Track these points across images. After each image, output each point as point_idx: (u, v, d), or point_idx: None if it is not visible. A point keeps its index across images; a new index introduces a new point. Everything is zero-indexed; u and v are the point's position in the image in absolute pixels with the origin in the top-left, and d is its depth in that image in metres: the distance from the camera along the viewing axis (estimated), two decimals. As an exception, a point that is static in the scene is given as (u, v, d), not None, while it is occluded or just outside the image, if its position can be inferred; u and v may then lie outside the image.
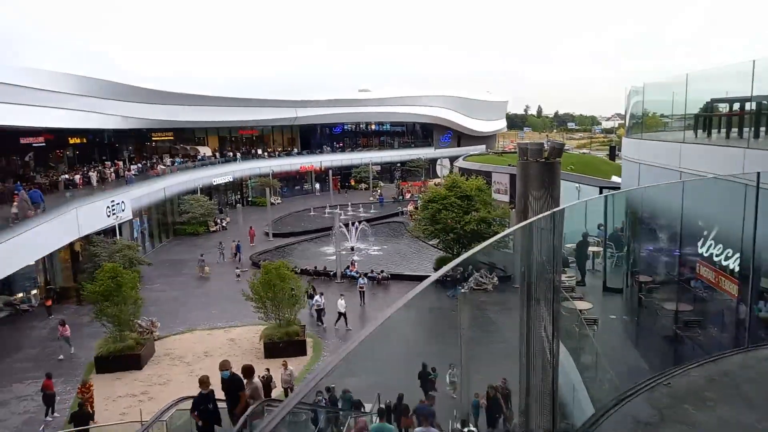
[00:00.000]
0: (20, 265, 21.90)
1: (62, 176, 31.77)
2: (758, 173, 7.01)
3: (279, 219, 46.39)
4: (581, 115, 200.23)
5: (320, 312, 23.79)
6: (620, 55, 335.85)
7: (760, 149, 10.12)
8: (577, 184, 30.13)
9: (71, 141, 38.01)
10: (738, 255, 7.41)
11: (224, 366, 9.46)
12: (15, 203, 22.33)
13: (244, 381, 9.64)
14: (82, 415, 14.59)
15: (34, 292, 26.74)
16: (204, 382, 9.54)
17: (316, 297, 24.16)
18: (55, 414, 16.43)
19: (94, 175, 32.42)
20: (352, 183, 64.88)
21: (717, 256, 7.74)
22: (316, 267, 31.08)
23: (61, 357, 20.53)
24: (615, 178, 33.22)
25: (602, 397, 6.11)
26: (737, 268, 7.44)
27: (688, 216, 8.35)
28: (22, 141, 32.54)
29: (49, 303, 25.57)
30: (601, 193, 24.38)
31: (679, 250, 8.85)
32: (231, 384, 9.34)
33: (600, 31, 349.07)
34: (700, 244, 8.04)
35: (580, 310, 8.84)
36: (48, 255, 25.79)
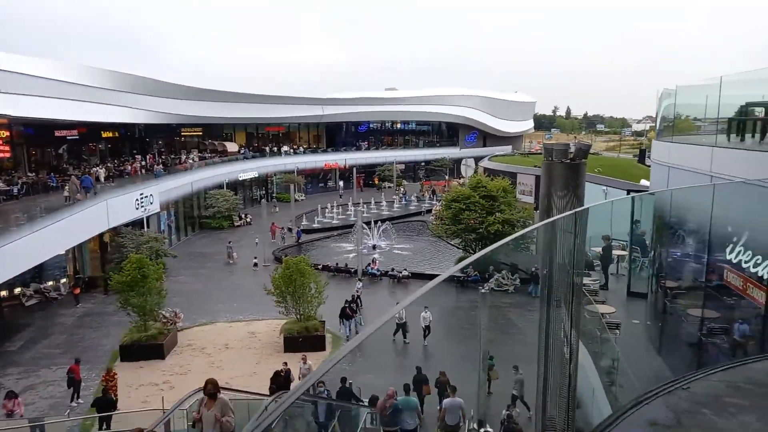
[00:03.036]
0: (53, 254, 22.57)
1: (93, 169, 32.55)
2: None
3: (302, 215, 46.73)
4: (611, 117, 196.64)
5: (403, 327, 19.96)
6: (659, 55, 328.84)
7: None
8: (604, 187, 29.64)
9: (104, 135, 38.94)
10: (768, 262, 7.18)
11: None
12: (66, 187, 23.02)
13: (206, 401, 7.90)
14: (106, 402, 14.92)
15: (63, 280, 27.49)
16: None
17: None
18: (80, 400, 16.86)
19: (102, 172, 31.37)
20: (376, 181, 64.93)
21: (746, 262, 7.52)
22: (337, 264, 31.23)
23: None
24: (644, 182, 32.59)
25: (621, 399, 6.01)
26: (766, 275, 7.21)
27: (718, 221, 8.13)
28: (57, 134, 33.47)
29: (77, 291, 26.27)
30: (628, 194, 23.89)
31: (707, 256, 8.63)
32: None
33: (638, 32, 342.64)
34: (728, 250, 7.82)
35: (603, 314, 8.70)
36: (78, 245, 26.52)
